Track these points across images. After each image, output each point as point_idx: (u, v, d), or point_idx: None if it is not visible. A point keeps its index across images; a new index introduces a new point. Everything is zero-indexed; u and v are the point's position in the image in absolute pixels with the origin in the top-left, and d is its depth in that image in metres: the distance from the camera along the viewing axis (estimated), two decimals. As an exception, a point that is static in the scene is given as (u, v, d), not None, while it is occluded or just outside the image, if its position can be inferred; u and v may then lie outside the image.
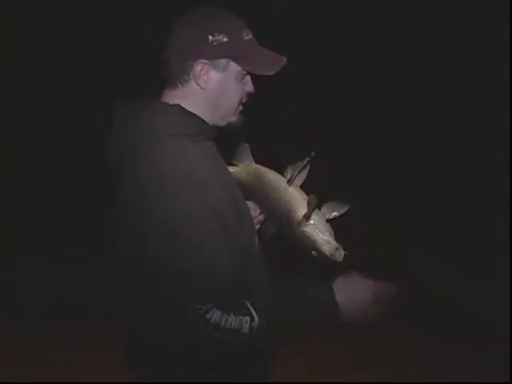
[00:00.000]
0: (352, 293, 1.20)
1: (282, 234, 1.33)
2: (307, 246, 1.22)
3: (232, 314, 1.06)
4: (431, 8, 6.09)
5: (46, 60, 6.14)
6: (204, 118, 1.23)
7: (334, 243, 1.20)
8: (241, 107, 1.27)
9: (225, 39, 1.18)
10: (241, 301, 1.09)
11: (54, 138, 5.90)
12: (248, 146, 1.42)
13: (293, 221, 1.24)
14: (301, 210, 1.24)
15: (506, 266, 3.96)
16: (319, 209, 1.25)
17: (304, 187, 1.31)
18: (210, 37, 1.18)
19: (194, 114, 1.22)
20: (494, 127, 5.72)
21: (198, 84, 1.21)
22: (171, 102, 1.23)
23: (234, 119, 1.27)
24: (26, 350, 3.09)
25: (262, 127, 6.02)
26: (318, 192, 1.24)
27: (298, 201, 1.26)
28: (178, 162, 1.12)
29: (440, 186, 5.75)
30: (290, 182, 1.29)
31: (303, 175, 1.31)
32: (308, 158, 1.27)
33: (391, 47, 6.38)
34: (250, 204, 1.43)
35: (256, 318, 1.08)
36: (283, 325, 1.15)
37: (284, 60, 1.22)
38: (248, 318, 1.08)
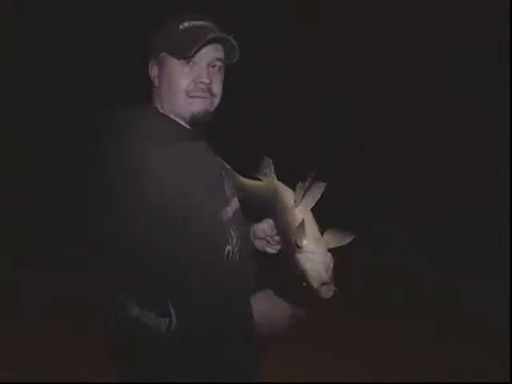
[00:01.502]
0: (268, 310, 1.22)
1: (284, 256, 1.28)
2: (299, 274, 1.15)
3: (153, 314, 1.10)
4: (431, 8, 6.09)
5: (45, 60, 6.13)
6: (172, 118, 1.26)
7: (325, 277, 1.11)
8: (203, 100, 1.24)
9: (160, 36, 1.25)
10: (163, 302, 1.12)
11: (54, 137, 5.90)
12: (271, 160, 1.35)
13: (291, 245, 1.17)
14: None
15: (506, 266, 3.96)
16: (322, 235, 1.18)
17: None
18: (155, 37, 1.26)
19: (163, 115, 1.26)
20: (493, 127, 5.72)
21: (154, 83, 1.27)
22: (151, 104, 1.30)
23: (190, 111, 1.24)
24: (25, 350, 3.09)
25: (261, 129, 6.02)
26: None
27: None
28: (134, 168, 1.15)
29: (440, 188, 5.75)
30: (295, 202, 1.22)
31: (314, 196, 1.22)
32: (309, 179, 1.21)
33: (391, 49, 6.38)
34: (269, 222, 1.42)
35: (174, 321, 1.10)
36: (199, 327, 1.15)
37: (211, 35, 1.18)
38: (167, 320, 1.10)
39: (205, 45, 1.20)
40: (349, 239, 1.17)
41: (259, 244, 1.49)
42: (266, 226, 1.46)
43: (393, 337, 3.33)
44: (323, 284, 1.11)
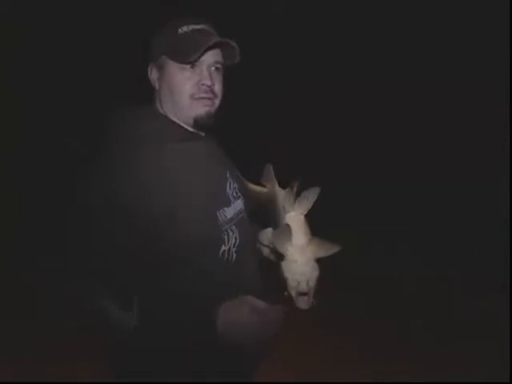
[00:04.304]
0: (235, 317, 1.16)
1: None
2: (282, 282, 1.14)
3: (117, 308, 1.14)
4: (431, 7, 6.09)
5: (46, 60, 6.14)
6: (172, 119, 1.28)
7: (303, 288, 1.09)
8: (206, 101, 1.26)
9: (160, 39, 1.27)
10: (130, 297, 1.16)
11: (54, 137, 5.91)
12: (271, 167, 1.33)
13: (277, 252, 1.15)
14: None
15: (506, 266, 3.96)
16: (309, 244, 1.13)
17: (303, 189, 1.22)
18: (154, 40, 1.28)
19: (164, 116, 1.28)
20: (493, 128, 5.72)
21: (154, 86, 1.30)
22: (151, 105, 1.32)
23: (193, 114, 1.26)
24: (26, 349, 3.09)
25: (259, 131, 6.03)
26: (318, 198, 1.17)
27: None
28: (119, 170, 1.18)
29: (440, 190, 5.75)
30: (284, 209, 1.20)
31: (308, 202, 1.17)
32: (297, 183, 1.19)
33: (391, 50, 6.38)
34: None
35: (135, 317, 1.14)
36: (160, 331, 1.16)
37: (212, 40, 1.21)
38: (130, 314, 1.14)
39: (207, 50, 1.23)
40: (335, 250, 1.12)
41: (265, 251, 1.49)
42: (269, 234, 1.45)
43: (392, 337, 3.33)
44: (301, 294, 1.10)
